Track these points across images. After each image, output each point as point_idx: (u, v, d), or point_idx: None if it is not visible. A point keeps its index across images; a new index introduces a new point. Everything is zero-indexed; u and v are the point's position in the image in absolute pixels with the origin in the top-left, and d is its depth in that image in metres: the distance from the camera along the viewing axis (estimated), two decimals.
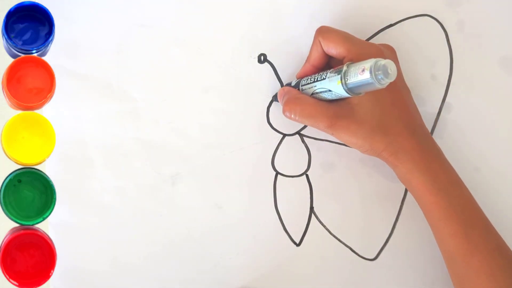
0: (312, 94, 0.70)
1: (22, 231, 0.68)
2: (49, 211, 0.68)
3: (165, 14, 0.74)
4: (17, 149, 0.68)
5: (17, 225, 0.69)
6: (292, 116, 0.70)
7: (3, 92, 0.69)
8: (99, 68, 0.72)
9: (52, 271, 0.67)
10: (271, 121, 0.75)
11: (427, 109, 0.76)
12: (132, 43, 0.73)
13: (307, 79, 0.71)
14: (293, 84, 0.73)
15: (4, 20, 0.68)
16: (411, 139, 0.70)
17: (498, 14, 0.77)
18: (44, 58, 0.69)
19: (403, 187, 0.76)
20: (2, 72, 0.68)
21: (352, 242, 0.75)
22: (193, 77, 0.74)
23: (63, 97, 0.71)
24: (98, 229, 0.72)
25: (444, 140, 0.76)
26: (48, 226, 0.71)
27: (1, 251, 0.67)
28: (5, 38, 0.68)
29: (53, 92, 0.68)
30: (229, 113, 0.74)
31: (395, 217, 0.76)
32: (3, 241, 0.68)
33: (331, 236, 0.75)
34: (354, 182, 0.75)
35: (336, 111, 0.69)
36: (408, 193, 0.76)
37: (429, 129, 0.76)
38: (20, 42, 0.69)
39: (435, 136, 0.75)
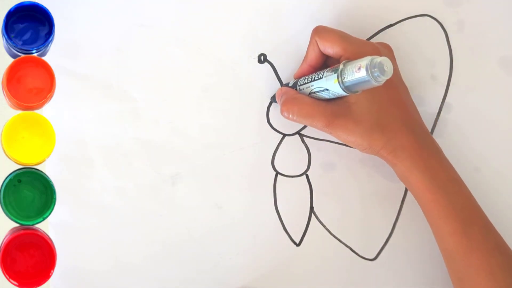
0: (310, 93, 0.70)
1: (22, 231, 0.68)
2: (49, 211, 0.68)
3: (165, 14, 0.74)
4: (17, 149, 0.68)
5: (17, 225, 0.69)
6: (290, 116, 0.70)
7: (3, 92, 0.69)
8: (99, 68, 0.72)
9: (52, 271, 0.67)
10: (271, 121, 0.75)
11: (427, 109, 0.76)
12: (132, 43, 0.73)
13: (304, 79, 0.71)
14: (290, 84, 0.73)
15: (4, 20, 0.68)
16: (410, 136, 0.70)
17: (498, 14, 0.77)
18: (44, 58, 0.69)
19: (403, 187, 0.76)
20: (2, 72, 0.68)
21: (352, 242, 0.75)
22: (193, 77, 0.74)
23: (63, 97, 0.71)
24: (98, 229, 0.72)
25: (444, 140, 0.76)
26: (48, 226, 0.71)
27: (1, 251, 0.67)
28: (5, 38, 0.68)
29: (53, 92, 0.68)
30: (229, 113, 0.74)
31: (395, 217, 0.76)
32: (3, 241, 0.68)
33: (331, 236, 0.75)
34: (354, 182, 0.75)
35: (334, 110, 0.69)
36: (408, 193, 0.76)
37: (429, 129, 0.76)
38: (20, 42, 0.69)
39: (435, 136, 0.75)
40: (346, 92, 0.67)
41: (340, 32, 0.71)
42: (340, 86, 0.66)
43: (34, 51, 0.69)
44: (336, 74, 0.66)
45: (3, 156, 0.69)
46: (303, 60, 0.73)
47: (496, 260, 0.69)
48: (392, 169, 0.72)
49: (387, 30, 0.76)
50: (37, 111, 0.69)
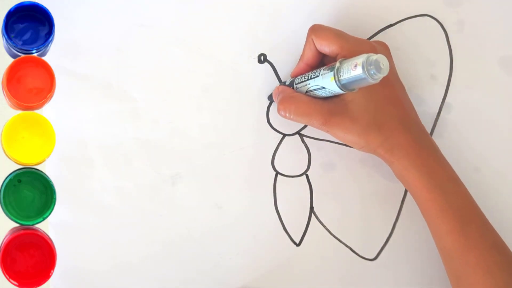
0: (306, 92, 0.70)
1: (22, 231, 0.68)
2: (49, 211, 0.68)
3: (165, 14, 0.74)
4: (17, 149, 0.68)
5: (17, 225, 0.69)
6: (287, 114, 0.70)
7: (3, 92, 0.69)
8: (99, 68, 0.72)
9: (52, 271, 0.68)
10: (271, 121, 0.75)
11: (426, 109, 0.76)
12: (132, 43, 0.73)
13: (301, 78, 0.71)
14: (287, 83, 0.73)
15: (4, 20, 0.68)
16: (407, 135, 0.70)
17: (498, 14, 0.77)
18: (44, 58, 0.69)
19: (403, 187, 0.76)
20: (2, 72, 0.68)
21: (352, 242, 0.75)
22: (193, 77, 0.74)
23: (63, 97, 0.71)
24: (98, 229, 0.72)
25: (444, 140, 0.76)
26: (48, 226, 0.71)
27: (1, 251, 0.67)
28: (5, 38, 0.68)
29: (53, 92, 0.68)
30: (229, 113, 0.74)
31: (395, 217, 0.76)
32: (3, 241, 0.68)
33: (331, 236, 0.75)
34: (354, 182, 0.75)
35: (330, 108, 0.69)
36: (408, 193, 0.76)
37: (429, 129, 0.76)
38: (20, 42, 0.69)
39: (434, 136, 0.75)
40: (342, 90, 0.67)
41: (337, 30, 0.71)
42: (337, 84, 0.66)
43: (34, 51, 0.69)
44: (332, 72, 0.67)
45: (3, 156, 0.69)
46: (300, 59, 0.73)
47: (493, 258, 0.69)
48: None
49: (387, 30, 0.76)
50: (37, 111, 0.69)
